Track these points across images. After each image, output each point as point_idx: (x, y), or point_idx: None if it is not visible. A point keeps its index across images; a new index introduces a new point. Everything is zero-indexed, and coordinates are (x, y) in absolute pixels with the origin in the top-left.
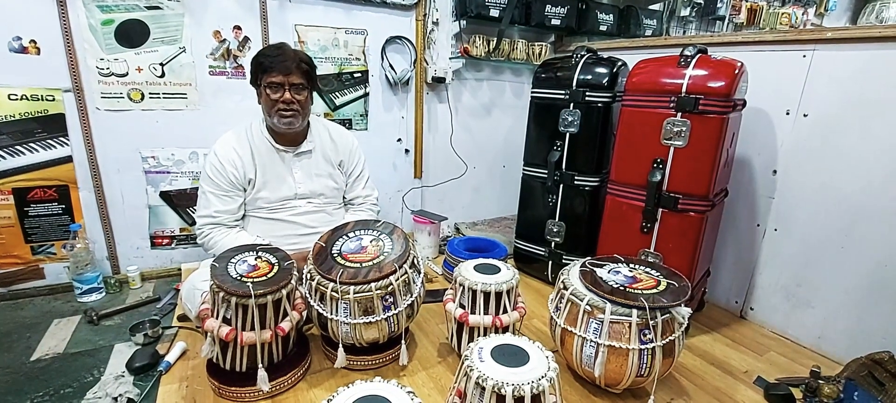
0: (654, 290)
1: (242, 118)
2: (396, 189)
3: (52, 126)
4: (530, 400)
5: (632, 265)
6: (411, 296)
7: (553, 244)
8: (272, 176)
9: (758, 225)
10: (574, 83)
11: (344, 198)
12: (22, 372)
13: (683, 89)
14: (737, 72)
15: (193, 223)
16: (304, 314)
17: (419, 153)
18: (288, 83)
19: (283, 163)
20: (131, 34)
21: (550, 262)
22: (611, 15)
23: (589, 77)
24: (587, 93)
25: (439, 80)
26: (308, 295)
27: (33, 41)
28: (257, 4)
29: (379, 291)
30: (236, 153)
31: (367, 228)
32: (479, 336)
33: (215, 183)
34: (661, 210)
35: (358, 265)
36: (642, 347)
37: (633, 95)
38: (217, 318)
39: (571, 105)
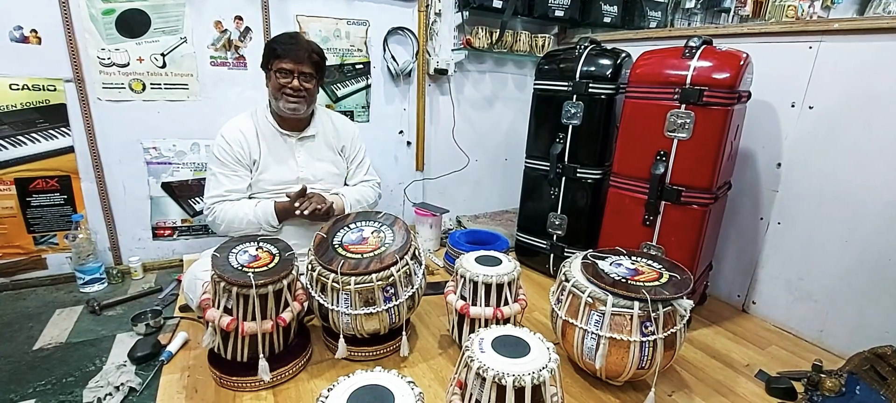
0: (656, 283)
1: (244, 109)
2: (398, 181)
3: (54, 116)
4: (531, 391)
5: (634, 257)
6: (412, 288)
7: (555, 237)
8: (276, 158)
9: (761, 219)
10: (577, 75)
11: (346, 184)
12: (24, 362)
13: (688, 81)
14: (742, 63)
15: (195, 214)
16: (305, 305)
17: (421, 145)
18: (298, 71)
19: (287, 147)
20: (132, 24)
21: (552, 255)
22: (615, 6)
23: (592, 68)
24: (590, 85)
25: (441, 72)
26: (309, 286)
27: (34, 30)
28: None
29: (380, 282)
30: (242, 134)
31: (369, 219)
32: (479, 327)
33: (223, 162)
34: (663, 203)
35: (359, 256)
36: (643, 339)
37: (636, 87)
38: (218, 308)
39: (574, 97)
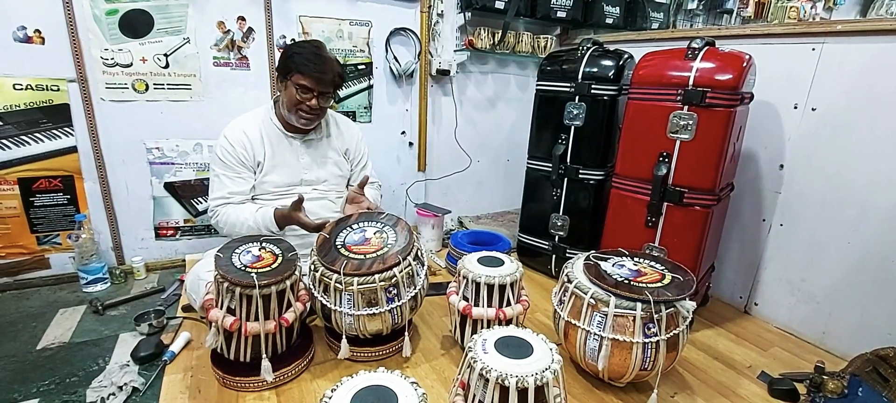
0: (659, 284)
1: (246, 109)
2: (400, 182)
3: (57, 116)
4: (534, 392)
5: (636, 259)
6: (415, 288)
7: (557, 238)
8: (280, 160)
9: (763, 220)
10: (580, 76)
11: (347, 186)
12: (28, 361)
13: (690, 82)
14: (745, 64)
15: (197, 214)
16: (308, 305)
17: (423, 146)
18: (318, 91)
19: (291, 149)
20: (135, 24)
21: (554, 256)
22: (617, 7)
23: (595, 70)
24: (593, 86)
25: (444, 73)
26: (312, 287)
27: (38, 31)
28: None
29: (382, 283)
30: (246, 135)
31: (371, 220)
32: (482, 328)
33: (227, 164)
34: (666, 204)
35: (362, 256)
36: (646, 341)
37: (639, 88)
38: (221, 308)
39: (577, 98)
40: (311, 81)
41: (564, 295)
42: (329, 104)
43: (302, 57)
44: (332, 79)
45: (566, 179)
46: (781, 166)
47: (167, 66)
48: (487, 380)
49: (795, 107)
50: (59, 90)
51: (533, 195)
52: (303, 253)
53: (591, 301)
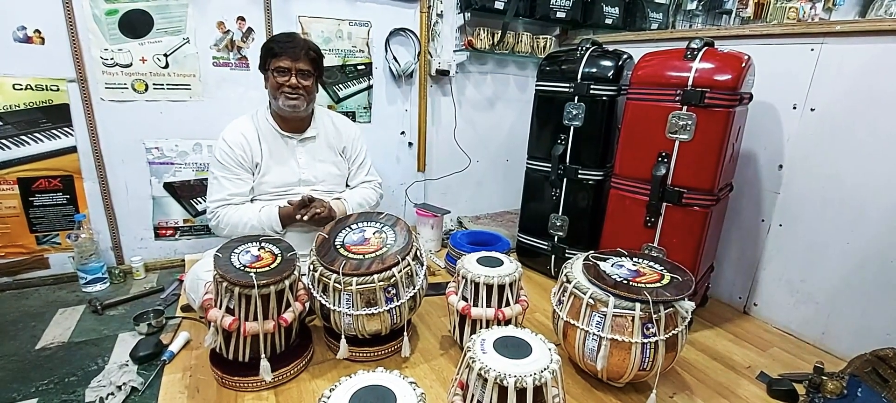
0: (658, 284)
1: (245, 109)
2: (399, 182)
3: (57, 116)
4: (532, 392)
5: (635, 259)
6: (414, 288)
7: (556, 238)
8: (277, 160)
9: (762, 221)
10: (579, 76)
11: (347, 185)
12: (27, 361)
13: (689, 82)
14: (744, 65)
15: (197, 214)
16: (307, 305)
17: (422, 146)
18: (295, 68)
19: (288, 148)
20: (135, 24)
21: (553, 256)
22: (616, 8)
23: (594, 70)
24: (592, 87)
25: (443, 73)
26: (311, 286)
27: (38, 31)
28: None
29: (382, 283)
30: (244, 137)
31: (370, 220)
32: (481, 328)
33: (225, 166)
34: (665, 204)
35: (361, 256)
36: (645, 341)
37: (638, 88)
38: (220, 308)
39: (576, 98)
40: (285, 59)
41: (563, 296)
42: (310, 82)
43: (273, 41)
44: (304, 52)
45: (565, 179)
46: (780, 166)
47: (167, 66)
48: (486, 380)
49: (794, 108)
50: (58, 90)
51: (532, 195)
52: (302, 253)
53: (590, 301)
